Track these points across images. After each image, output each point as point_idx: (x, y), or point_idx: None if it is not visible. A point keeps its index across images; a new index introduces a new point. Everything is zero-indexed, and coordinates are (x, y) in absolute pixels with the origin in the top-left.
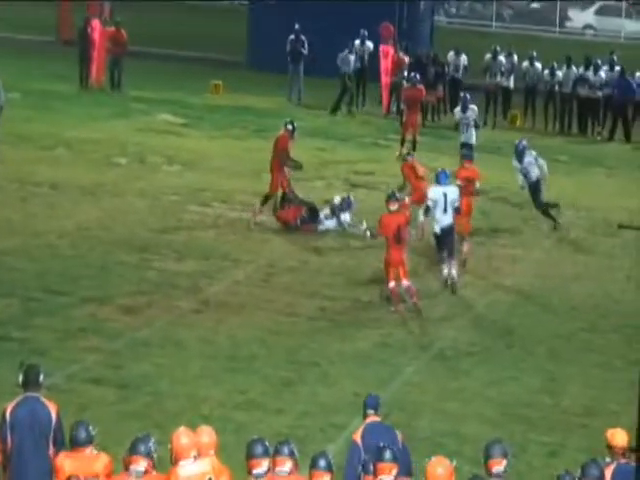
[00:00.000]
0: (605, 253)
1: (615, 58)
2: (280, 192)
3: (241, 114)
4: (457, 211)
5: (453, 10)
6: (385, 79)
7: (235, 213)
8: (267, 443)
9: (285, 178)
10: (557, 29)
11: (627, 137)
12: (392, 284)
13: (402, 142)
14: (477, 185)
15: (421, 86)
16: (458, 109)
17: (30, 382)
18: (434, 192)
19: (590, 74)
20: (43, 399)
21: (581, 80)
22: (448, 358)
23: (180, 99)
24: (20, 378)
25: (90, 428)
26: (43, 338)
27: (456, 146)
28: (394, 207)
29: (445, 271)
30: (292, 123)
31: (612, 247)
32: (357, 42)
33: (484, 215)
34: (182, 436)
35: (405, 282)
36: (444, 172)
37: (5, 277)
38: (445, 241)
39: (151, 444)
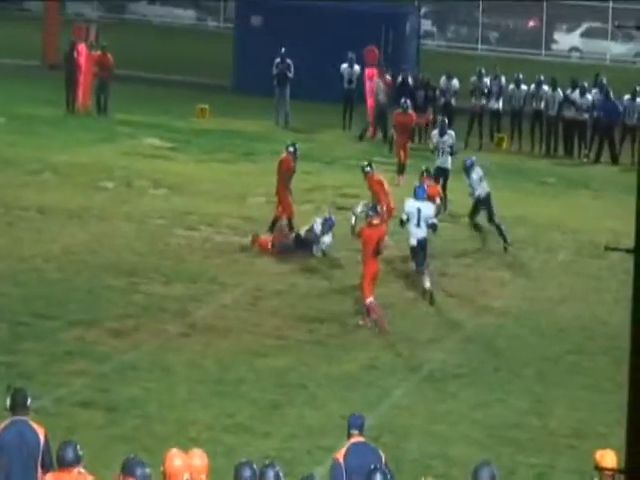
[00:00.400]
0: (592, 275)
1: (604, 80)
2: (274, 216)
3: (228, 138)
4: (433, 228)
5: (438, 32)
6: (370, 101)
7: (222, 237)
8: (255, 466)
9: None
10: (543, 51)
11: (613, 159)
12: (370, 299)
13: (399, 168)
14: (437, 202)
15: (412, 112)
16: (435, 132)
17: (18, 405)
18: (409, 205)
19: (576, 96)
20: (31, 422)
21: (566, 102)
22: (436, 380)
23: (166, 123)
24: (7, 402)
25: (78, 448)
26: (31, 362)
27: None
28: (376, 222)
29: (427, 284)
30: (294, 145)
31: (599, 269)
32: (344, 65)
33: (471, 238)
34: (175, 458)
35: (371, 299)
36: (422, 187)
37: None
38: (417, 253)
39: (147, 469)
